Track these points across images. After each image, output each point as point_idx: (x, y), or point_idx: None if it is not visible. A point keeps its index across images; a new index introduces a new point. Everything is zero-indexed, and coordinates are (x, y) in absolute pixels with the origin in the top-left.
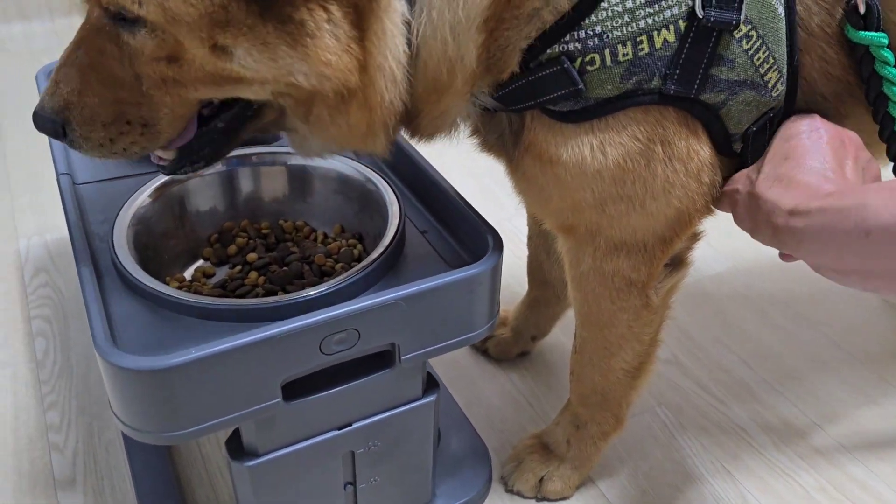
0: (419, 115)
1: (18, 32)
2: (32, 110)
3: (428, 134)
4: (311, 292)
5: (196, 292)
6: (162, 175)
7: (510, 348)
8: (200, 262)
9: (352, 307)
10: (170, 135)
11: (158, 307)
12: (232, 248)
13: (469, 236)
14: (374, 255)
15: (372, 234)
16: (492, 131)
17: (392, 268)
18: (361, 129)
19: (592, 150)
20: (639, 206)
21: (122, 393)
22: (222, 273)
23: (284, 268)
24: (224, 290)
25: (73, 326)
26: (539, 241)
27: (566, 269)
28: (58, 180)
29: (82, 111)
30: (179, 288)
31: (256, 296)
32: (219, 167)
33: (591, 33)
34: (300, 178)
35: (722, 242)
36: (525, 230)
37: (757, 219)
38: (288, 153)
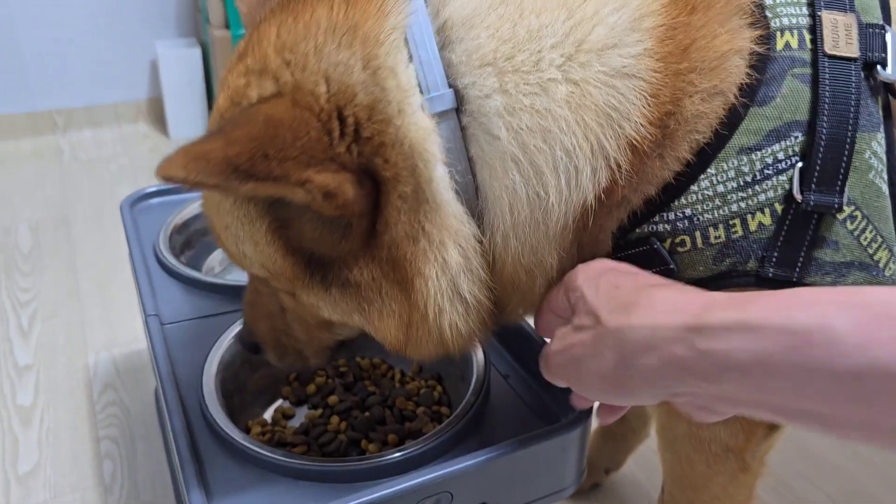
0: (503, 311)
1: (88, 140)
2: (104, 223)
3: (514, 321)
4: (402, 453)
5: (279, 440)
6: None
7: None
8: (279, 402)
9: (447, 470)
10: (317, 362)
11: (252, 465)
12: (311, 388)
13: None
14: (462, 409)
15: (452, 375)
16: None
17: (479, 420)
18: (443, 353)
19: None
20: None
21: None
22: (301, 413)
23: (366, 413)
24: (306, 436)
25: (139, 449)
26: None
27: (657, 431)
28: (146, 322)
29: (260, 335)
30: (262, 434)
31: (340, 443)
32: None
33: (681, 216)
34: None
35: None
36: None
37: None
38: None
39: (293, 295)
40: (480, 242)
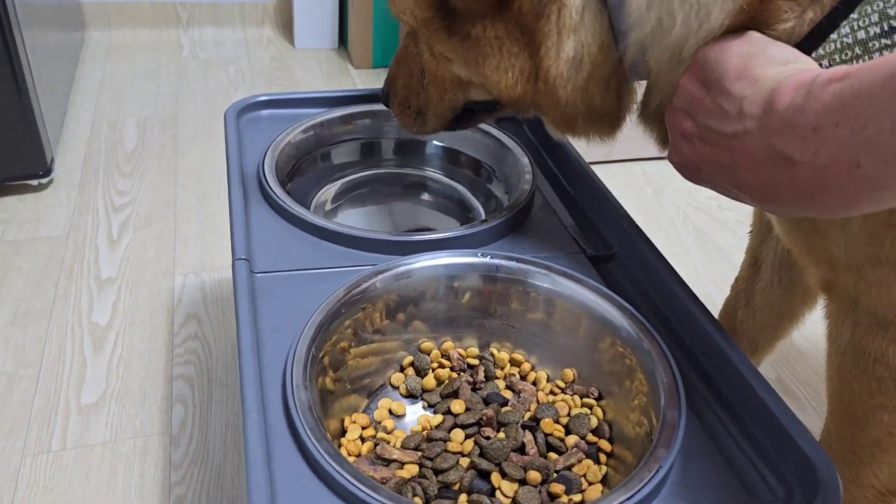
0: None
1: (209, 38)
2: (212, 131)
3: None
4: None
5: (382, 452)
6: (348, 279)
7: None
8: (388, 394)
9: None
10: (434, 127)
11: (341, 499)
12: (428, 381)
13: (778, 452)
14: (646, 463)
15: (620, 398)
16: None
17: (666, 478)
18: (560, 123)
19: None
20: None
21: None
22: (413, 412)
23: (500, 432)
24: (416, 450)
25: (215, 396)
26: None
27: (827, 343)
28: (233, 265)
29: (393, 88)
30: (361, 439)
31: (462, 472)
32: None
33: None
34: (546, 306)
35: None
36: None
37: None
38: (542, 274)
39: (432, 49)
40: (609, 49)
